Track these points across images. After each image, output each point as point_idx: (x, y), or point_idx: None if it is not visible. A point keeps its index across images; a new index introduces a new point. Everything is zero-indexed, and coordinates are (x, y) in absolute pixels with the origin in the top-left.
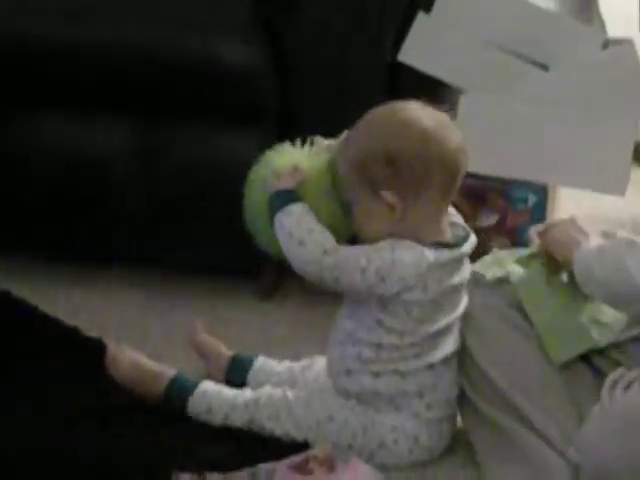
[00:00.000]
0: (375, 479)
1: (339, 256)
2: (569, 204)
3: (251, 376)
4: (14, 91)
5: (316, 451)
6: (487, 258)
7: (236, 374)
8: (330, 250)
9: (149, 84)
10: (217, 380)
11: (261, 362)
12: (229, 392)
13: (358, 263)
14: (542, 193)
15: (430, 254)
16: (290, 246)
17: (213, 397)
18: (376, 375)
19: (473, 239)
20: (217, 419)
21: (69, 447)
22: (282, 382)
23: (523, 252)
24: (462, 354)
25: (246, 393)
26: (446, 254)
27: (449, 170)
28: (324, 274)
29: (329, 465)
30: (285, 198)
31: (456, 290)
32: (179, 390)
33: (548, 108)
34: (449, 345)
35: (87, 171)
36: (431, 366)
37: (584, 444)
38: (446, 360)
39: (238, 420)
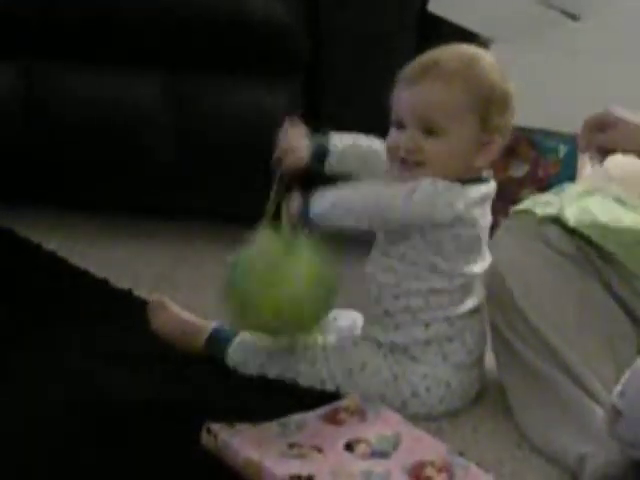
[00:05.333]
0: (406, 428)
1: (378, 194)
2: None
3: None
4: (49, 49)
5: (346, 402)
6: (531, 200)
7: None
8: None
9: (180, 37)
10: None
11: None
12: (265, 342)
13: (401, 194)
14: (573, 143)
15: (477, 188)
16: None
17: (250, 347)
18: (427, 325)
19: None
20: (253, 368)
21: (100, 397)
22: None
23: (567, 189)
24: (502, 295)
25: (282, 341)
26: (486, 188)
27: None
28: (372, 217)
29: (360, 415)
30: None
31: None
32: (218, 342)
33: (579, 58)
34: (482, 289)
35: (117, 123)
36: (475, 310)
37: (629, 392)
38: (482, 304)
39: (273, 368)
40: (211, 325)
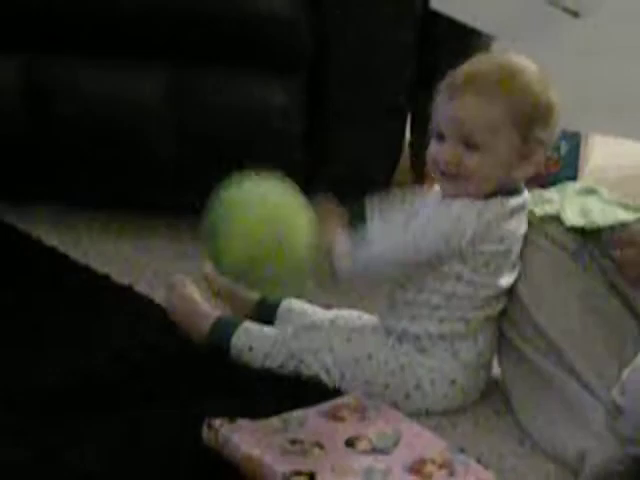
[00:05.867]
0: (407, 425)
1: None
2: (600, 152)
3: (279, 319)
4: (48, 43)
5: (348, 398)
6: (532, 197)
7: (264, 319)
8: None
9: (182, 32)
10: None
11: (288, 304)
12: (270, 330)
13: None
14: (574, 141)
15: (513, 200)
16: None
17: (254, 334)
18: (442, 321)
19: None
20: (258, 357)
21: (99, 391)
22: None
23: (569, 187)
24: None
25: (287, 329)
26: (521, 199)
27: None
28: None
29: (361, 412)
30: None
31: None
32: (223, 329)
33: (580, 55)
34: (505, 299)
35: (119, 118)
36: (493, 315)
37: (630, 388)
38: (502, 310)
39: (278, 356)
40: (216, 312)
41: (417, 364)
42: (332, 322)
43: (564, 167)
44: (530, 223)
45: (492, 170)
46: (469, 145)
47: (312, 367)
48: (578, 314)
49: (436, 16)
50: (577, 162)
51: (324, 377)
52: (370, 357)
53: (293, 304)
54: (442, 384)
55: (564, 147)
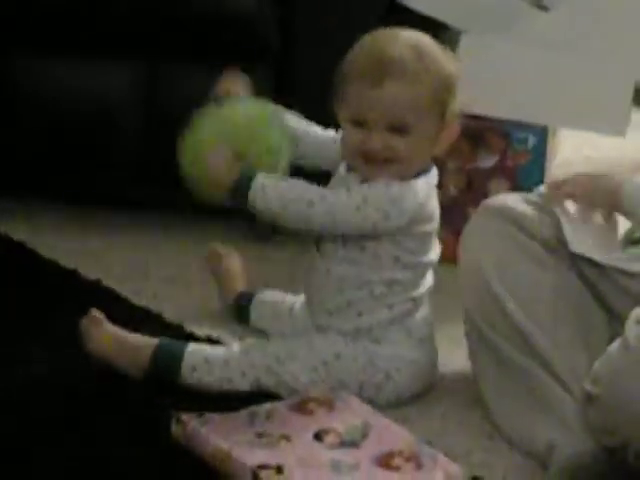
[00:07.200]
0: (375, 418)
1: (329, 203)
2: (569, 145)
3: (253, 310)
4: (18, 37)
5: (315, 392)
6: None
7: (243, 303)
8: (316, 200)
9: (150, 28)
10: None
11: (262, 296)
12: (218, 352)
13: (353, 203)
14: (542, 134)
15: (428, 179)
16: (280, 216)
17: (207, 350)
18: (390, 306)
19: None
20: (214, 370)
21: (65, 386)
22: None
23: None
24: (476, 281)
25: (234, 349)
26: (434, 177)
27: None
28: (323, 225)
29: (329, 405)
30: (244, 182)
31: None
32: (168, 354)
33: (548, 49)
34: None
35: (89, 115)
36: (430, 287)
37: (603, 377)
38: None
39: (239, 377)
40: (154, 341)
41: (379, 355)
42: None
43: (532, 160)
44: (501, 212)
45: (421, 150)
46: (397, 130)
47: (280, 376)
48: (548, 304)
49: (402, 11)
50: (545, 155)
51: (293, 385)
52: (338, 357)
53: (266, 296)
54: (407, 367)
55: (532, 140)
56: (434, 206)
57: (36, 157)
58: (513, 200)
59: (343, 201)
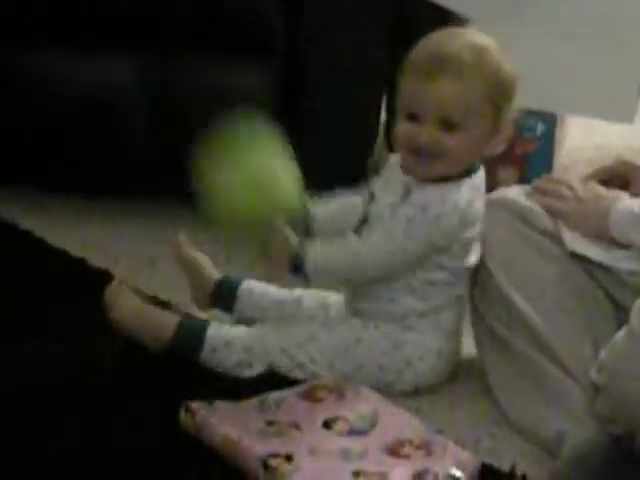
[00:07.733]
0: (387, 407)
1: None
2: (578, 133)
3: (239, 299)
4: (16, 29)
5: (325, 380)
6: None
7: (224, 296)
8: (366, 260)
9: (152, 19)
10: (201, 305)
11: (248, 284)
12: (241, 331)
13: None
14: (551, 121)
15: (474, 182)
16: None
17: (228, 330)
18: (425, 299)
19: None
20: (236, 352)
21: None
22: (273, 306)
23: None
24: (482, 274)
25: (260, 326)
26: (479, 177)
27: None
28: (379, 274)
29: (339, 393)
30: (299, 266)
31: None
32: (191, 329)
33: (557, 37)
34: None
35: (91, 106)
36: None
37: (609, 365)
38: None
39: (258, 361)
40: (176, 318)
41: (404, 342)
42: (299, 303)
43: (540, 147)
44: (506, 204)
45: (469, 149)
46: (447, 125)
47: (297, 359)
48: (554, 295)
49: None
50: (553, 142)
51: (311, 368)
52: (359, 341)
53: (253, 285)
54: (430, 357)
55: (540, 127)
56: (477, 209)
57: (44, 147)
58: (515, 193)
59: (389, 248)
